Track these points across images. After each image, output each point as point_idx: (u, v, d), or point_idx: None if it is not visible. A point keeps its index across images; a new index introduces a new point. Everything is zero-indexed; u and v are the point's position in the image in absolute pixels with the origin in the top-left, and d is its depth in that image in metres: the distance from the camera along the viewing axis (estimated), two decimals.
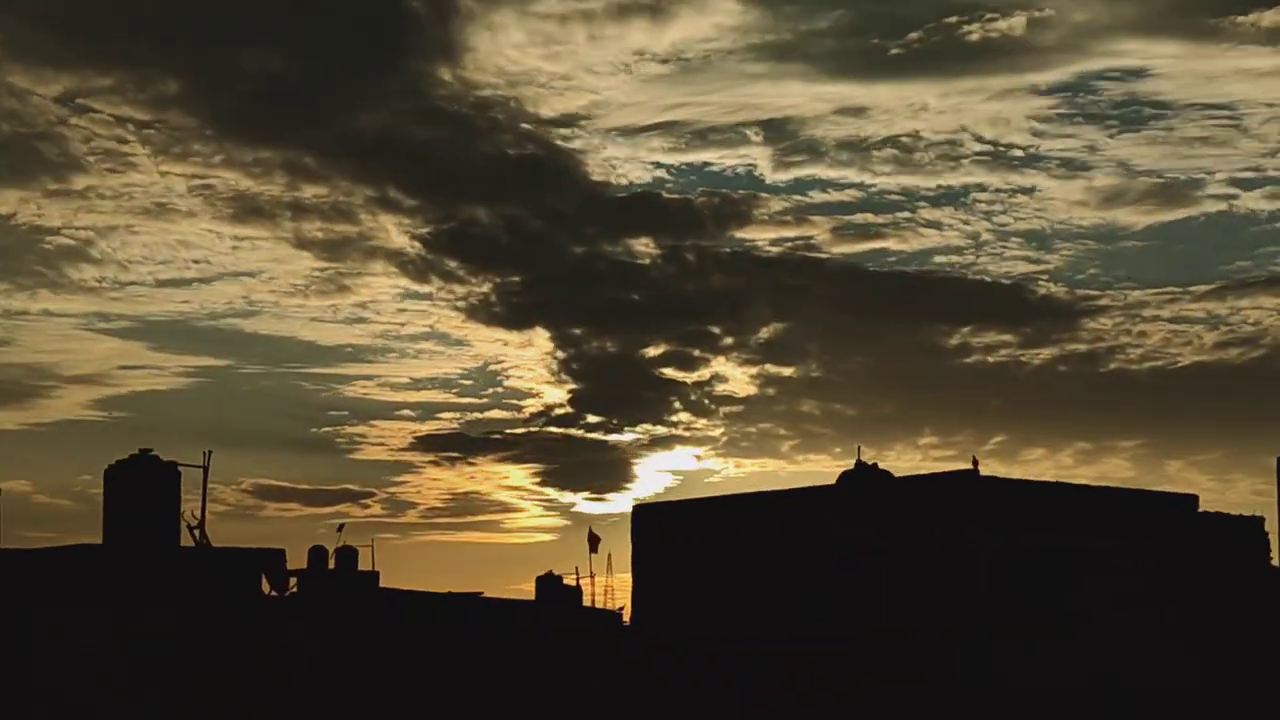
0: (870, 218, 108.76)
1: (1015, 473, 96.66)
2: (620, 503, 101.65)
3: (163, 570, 47.22)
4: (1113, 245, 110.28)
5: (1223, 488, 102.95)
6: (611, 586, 55.06)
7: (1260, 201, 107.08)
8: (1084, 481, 46.03)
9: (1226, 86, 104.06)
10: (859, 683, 41.43)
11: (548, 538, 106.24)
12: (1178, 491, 46.03)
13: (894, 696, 40.77)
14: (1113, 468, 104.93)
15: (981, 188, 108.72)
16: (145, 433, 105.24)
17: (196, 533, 50.41)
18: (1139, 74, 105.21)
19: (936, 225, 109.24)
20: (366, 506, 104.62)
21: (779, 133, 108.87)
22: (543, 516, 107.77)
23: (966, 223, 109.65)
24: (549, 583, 53.59)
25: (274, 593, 49.42)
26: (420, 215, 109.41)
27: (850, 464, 44.81)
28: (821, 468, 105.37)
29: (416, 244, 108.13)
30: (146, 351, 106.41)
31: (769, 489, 47.48)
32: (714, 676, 44.48)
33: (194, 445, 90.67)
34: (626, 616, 52.54)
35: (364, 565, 52.89)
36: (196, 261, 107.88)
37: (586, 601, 54.78)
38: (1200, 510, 44.66)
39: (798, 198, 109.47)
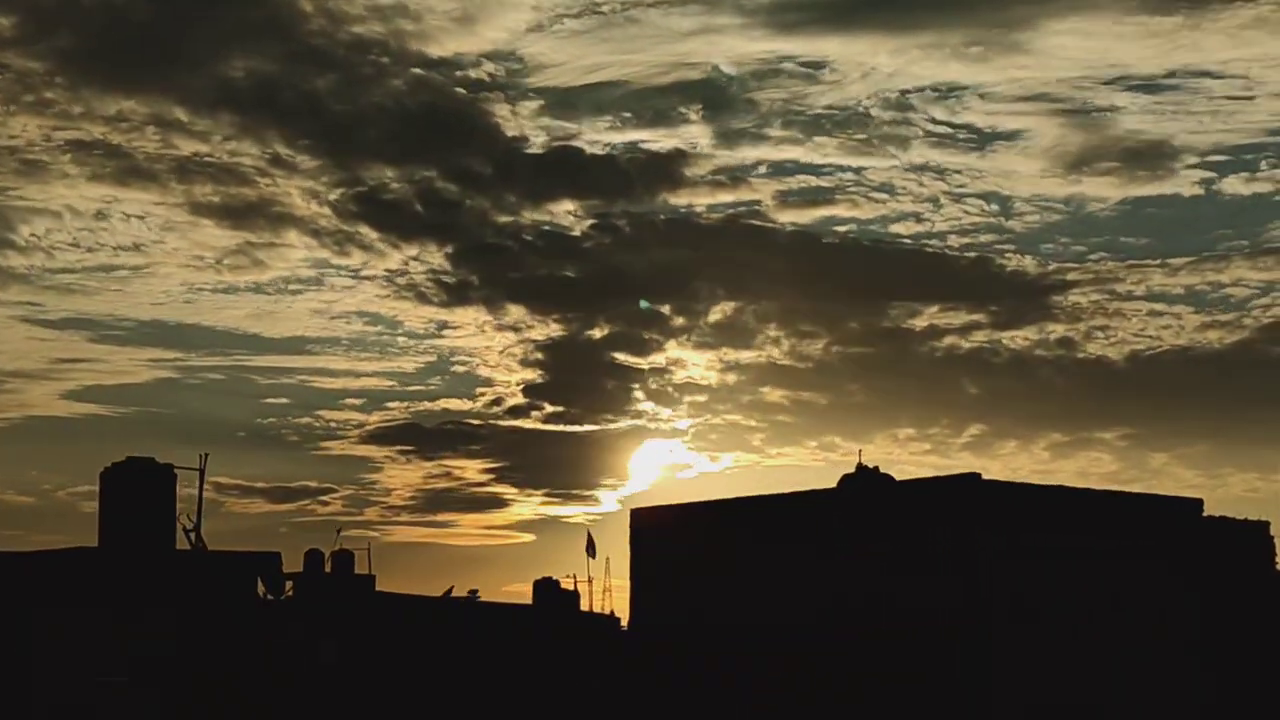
0: (814, 180, 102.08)
1: (993, 467, 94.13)
2: (606, 501, 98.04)
3: (161, 573, 47.16)
4: (1082, 216, 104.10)
5: (1214, 484, 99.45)
6: (610, 590, 54.90)
7: (1240, 185, 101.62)
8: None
9: (1203, 41, 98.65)
10: (859, 683, 41.37)
11: (526, 537, 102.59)
12: (1183, 495, 46.08)
13: (894, 697, 40.71)
14: (1093, 462, 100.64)
15: (939, 166, 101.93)
16: (100, 430, 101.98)
17: (192, 535, 50.32)
18: (1105, 31, 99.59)
19: (889, 188, 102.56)
20: (326, 504, 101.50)
21: (715, 97, 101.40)
22: (516, 515, 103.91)
23: (921, 184, 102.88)
24: (547, 586, 53.43)
25: (269, 596, 49.30)
26: (323, 177, 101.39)
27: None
28: (798, 461, 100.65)
29: (326, 210, 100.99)
30: (86, 344, 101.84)
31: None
32: (714, 679, 44.38)
33: (150, 442, 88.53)
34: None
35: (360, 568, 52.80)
36: (127, 248, 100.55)
37: (585, 605, 54.60)
38: (1205, 514, 44.68)
39: (729, 154, 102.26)
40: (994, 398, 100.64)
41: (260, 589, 49.01)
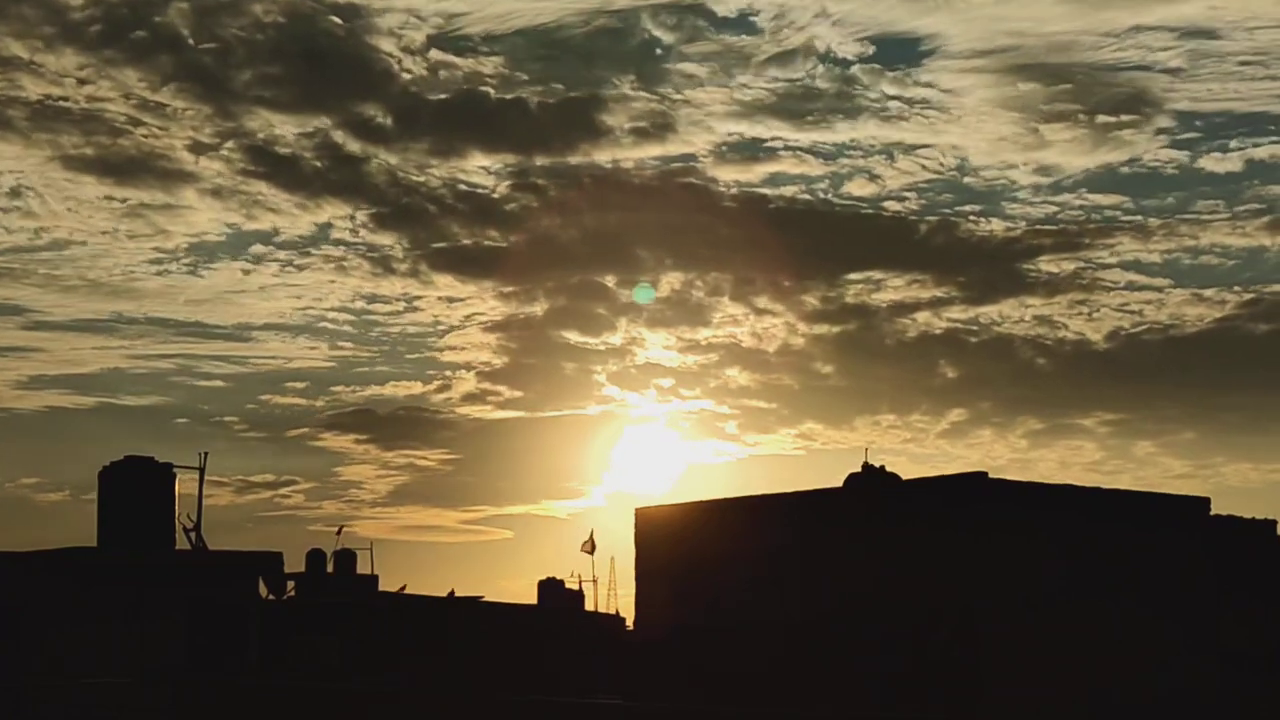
0: (752, 132, 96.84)
1: (974, 454, 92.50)
2: (594, 496, 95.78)
3: (161, 573, 47.05)
4: (1046, 174, 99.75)
5: (1205, 474, 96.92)
6: (615, 588, 54.77)
7: (1215, 163, 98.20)
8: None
9: None
10: (864, 683, 41.22)
11: (505, 533, 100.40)
12: (1191, 494, 45.94)
13: (899, 697, 40.55)
14: (1074, 451, 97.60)
15: (890, 117, 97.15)
16: (57, 423, 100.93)
17: (193, 535, 50.23)
18: None
19: (836, 142, 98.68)
20: (288, 497, 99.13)
21: (638, 47, 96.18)
22: (492, 510, 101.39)
23: (872, 138, 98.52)
24: (551, 586, 53.26)
25: (271, 596, 49.21)
26: (206, 129, 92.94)
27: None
28: (778, 450, 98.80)
29: (219, 167, 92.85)
30: (18, 332, 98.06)
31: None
32: (718, 679, 44.21)
33: (119, 437, 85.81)
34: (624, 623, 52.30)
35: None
36: (32, 215, 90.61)
37: (589, 606, 54.47)
38: (1212, 513, 44.55)
39: (651, 102, 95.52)
40: (973, 380, 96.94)
41: (262, 589, 48.85)
